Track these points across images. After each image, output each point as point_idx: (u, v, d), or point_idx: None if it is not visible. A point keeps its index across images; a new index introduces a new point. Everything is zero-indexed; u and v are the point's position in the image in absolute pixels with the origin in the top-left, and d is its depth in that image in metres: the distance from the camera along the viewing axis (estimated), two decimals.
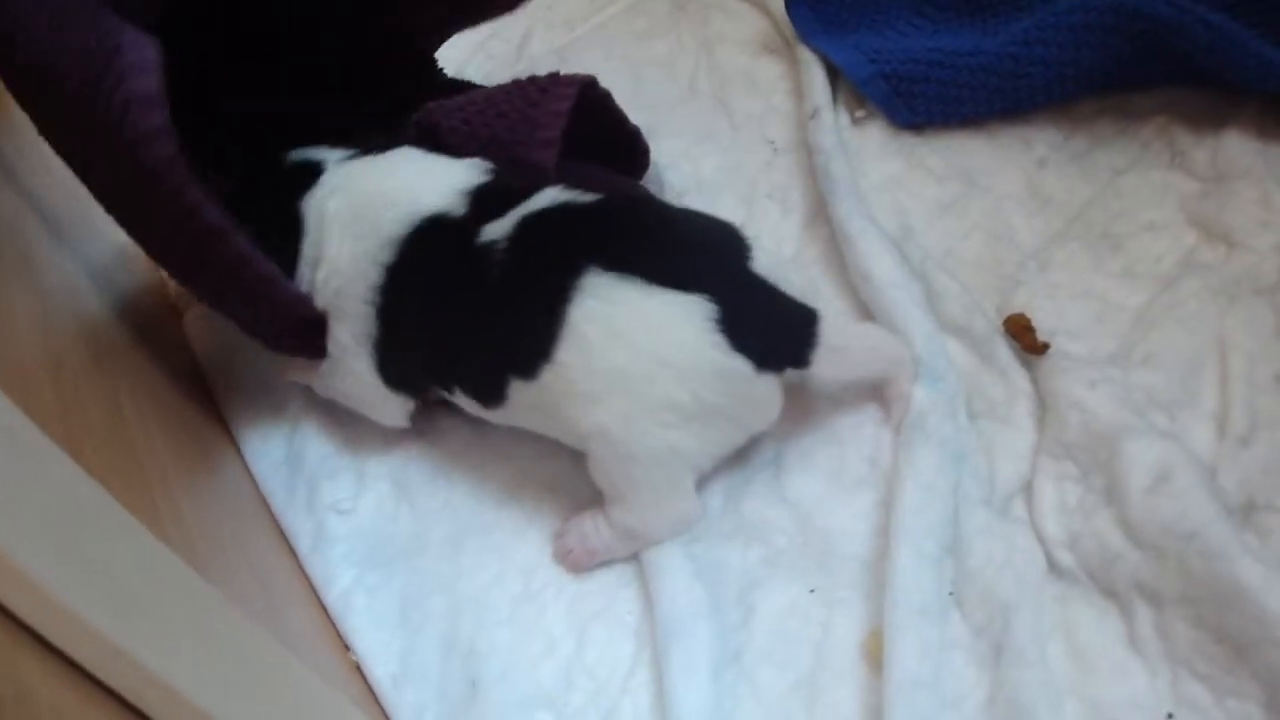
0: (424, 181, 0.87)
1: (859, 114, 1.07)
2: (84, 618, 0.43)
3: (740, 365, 0.75)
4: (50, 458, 0.51)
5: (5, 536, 0.41)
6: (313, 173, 0.92)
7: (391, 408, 0.91)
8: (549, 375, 0.77)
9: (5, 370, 0.65)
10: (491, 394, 0.83)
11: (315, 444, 0.96)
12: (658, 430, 0.76)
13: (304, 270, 0.90)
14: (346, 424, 0.97)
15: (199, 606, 0.57)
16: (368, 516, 0.90)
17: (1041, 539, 0.75)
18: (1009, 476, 0.79)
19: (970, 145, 1.02)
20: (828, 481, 0.83)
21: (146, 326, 1.06)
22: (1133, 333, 0.84)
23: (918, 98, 1.03)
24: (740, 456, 0.85)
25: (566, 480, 0.88)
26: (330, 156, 0.93)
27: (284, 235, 0.89)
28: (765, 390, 0.78)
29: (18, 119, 0.85)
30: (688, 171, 1.08)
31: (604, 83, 1.07)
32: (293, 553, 0.90)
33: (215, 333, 1.09)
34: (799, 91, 1.11)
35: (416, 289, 0.85)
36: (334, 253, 0.88)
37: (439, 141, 0.97)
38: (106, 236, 1.23)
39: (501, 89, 0.99)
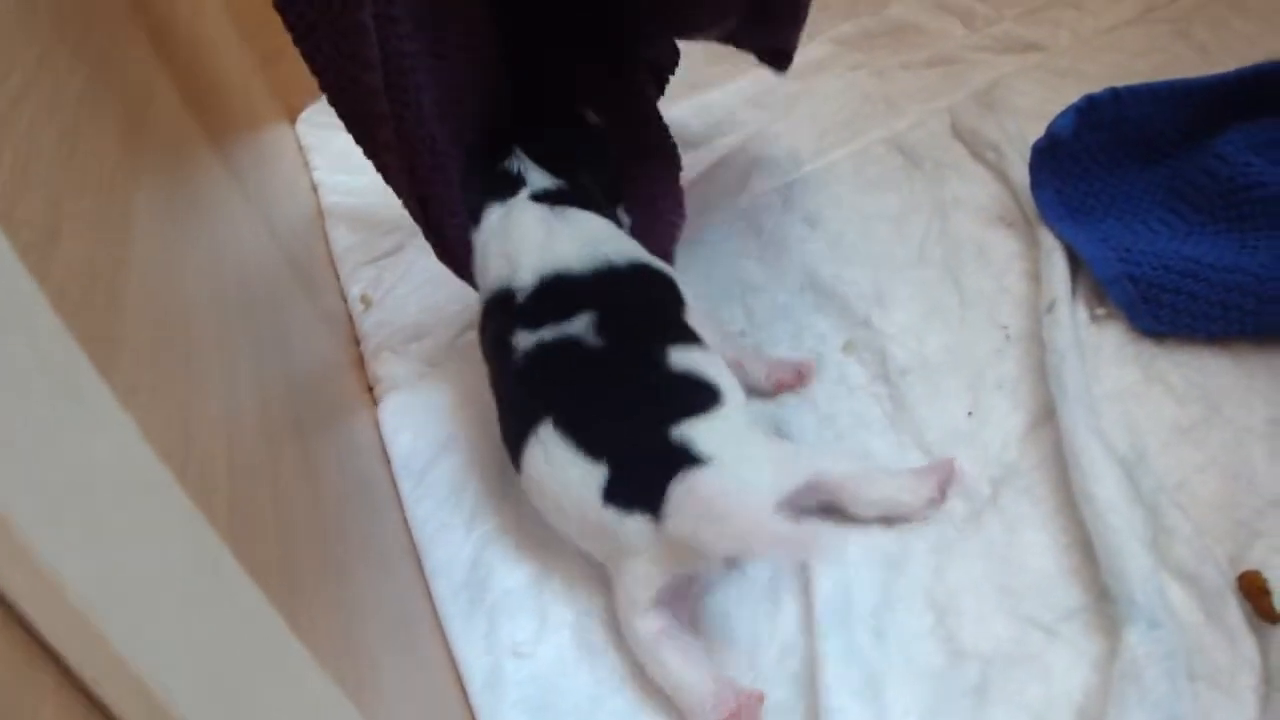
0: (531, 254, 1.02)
1: (1099, 312, 1.03)
2: None
3: (608, 515, 0.84)
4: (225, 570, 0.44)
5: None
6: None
7: None
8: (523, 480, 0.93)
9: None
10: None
11: (500, 573, 0.95)
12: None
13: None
14: (534, 555, 0.96)
15: None
16: (546, 664, 0.88)
17: None
18: None
19: (1214, 366, 0.96)
20: None
21: (338, 405, 1.06)
22: None
23: (1165, 307, 0.98)
24: (938, 684, 0.81)
25: (758, 659, 0.86)
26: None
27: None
28: (641, 532, 0.82)
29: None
30: (913, 348, 1.05)
31: (830, 229, 1.20)
32: (460, 684, 0.90)
33: (413, 431, 1.10)
34: (1035, 275, 1.08)
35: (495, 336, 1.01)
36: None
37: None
38: (319, 293, 1.25)
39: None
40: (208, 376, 0.55)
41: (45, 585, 0.31)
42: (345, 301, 1.37)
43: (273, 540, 0.54)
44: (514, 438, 0.94)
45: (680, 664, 0.82)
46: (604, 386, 0.92)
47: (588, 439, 0.87)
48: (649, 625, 0.83)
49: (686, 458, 0.83)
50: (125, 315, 0.48)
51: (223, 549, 0.39)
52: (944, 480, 0.92)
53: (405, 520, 1.02)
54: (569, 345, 0.94)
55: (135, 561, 0.34)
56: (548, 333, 0.95)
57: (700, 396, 0.90)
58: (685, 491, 0.80)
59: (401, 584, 0.92)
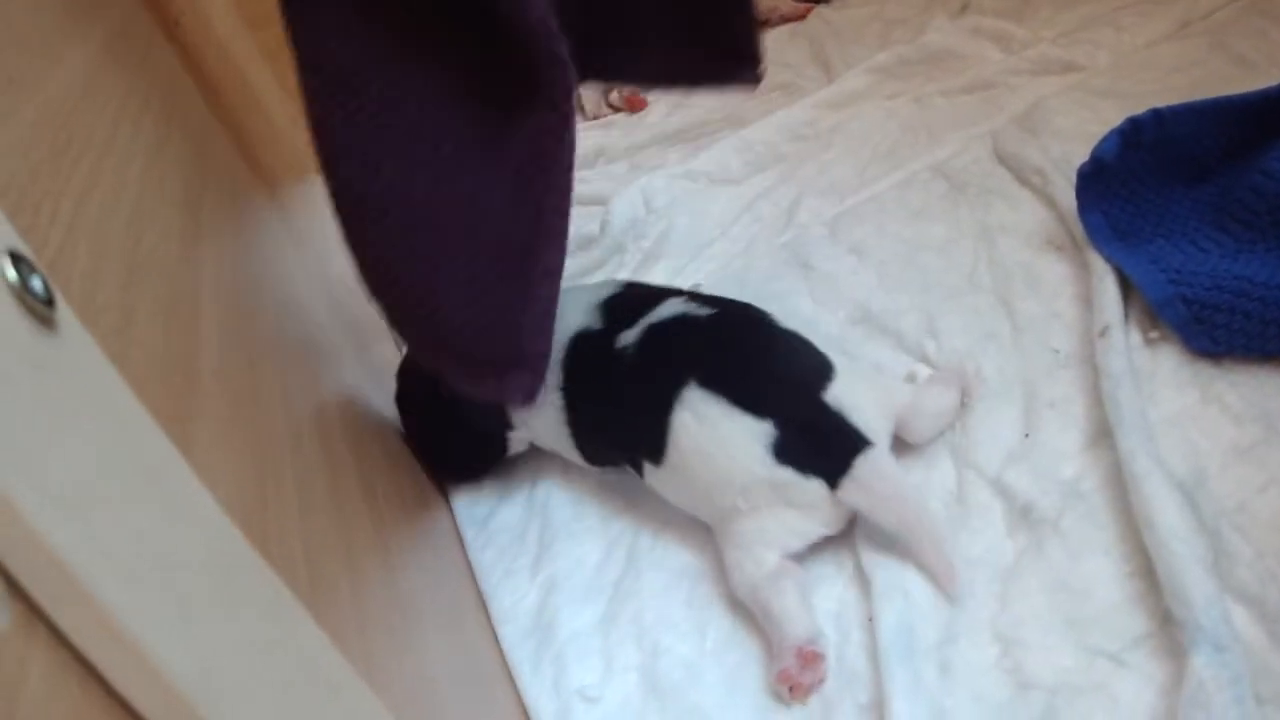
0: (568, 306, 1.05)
1: (1152, 334, 1.02)
2: None
3: (785, 474, 0.88)
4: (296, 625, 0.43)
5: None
6: None
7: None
8: (666, 466, 0.95)
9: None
10: (639, 468, 0.99)
11: (565, 616, 0.96)
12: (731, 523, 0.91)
13: None
14: (598, 598, 0.97)
15: None
16: (613, 707, 0.89)
17: None
18: None
19: (1271, 384, 0.96)
20: None
21: (400, 459, 1.08)
22: None
23: (1219, 327, 0.98)
24: (1004, 716, 0.81)
25: (826, 687, 0.86)
26: None
27: None
28: (817, 494, 0.88)
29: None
30: (969, 373, 1.05)
31: (878, 260, 1.20)
32: None
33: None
34: (1086, 298, 1.08)
35: (583, 387, 1.03)
36: None
37: None
38: (372, 341, 1.27)
39: None
40: (278, 447, 0.57)
41: (146, 669, 0.32)
42: (399, 349, 1.39)
43: (348, 608, 0.55)
44: (642, 429, 0.96)
45: (797, 598, 0.87)
46: (733, 347, 0.96)
47: (742, 395, 0.91)
48: (783, 559, 0.89)
49: (853, 433, 0.90)
50: (200, 392, 0.50)
51: (312, 628, 0.40)
52: (963, 380, 1.03)
53: (469, 568, 1.03)
54: (679, 320, 0.99)
55: (231, 644, 0.36)
56: (649, 320, 0.99)
57: (819, 355, 0.96)
58: (867, 471, 0.88)
59: (469, 633, 0.93)
